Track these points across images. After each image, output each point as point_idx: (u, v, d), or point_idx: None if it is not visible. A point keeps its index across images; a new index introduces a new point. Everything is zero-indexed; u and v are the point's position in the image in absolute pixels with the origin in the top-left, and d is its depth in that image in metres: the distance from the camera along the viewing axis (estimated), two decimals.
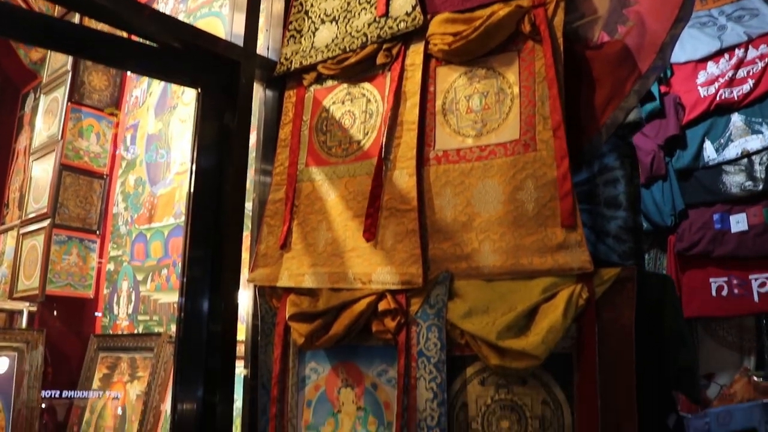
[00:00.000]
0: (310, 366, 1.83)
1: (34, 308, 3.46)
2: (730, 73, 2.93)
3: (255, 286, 1.97)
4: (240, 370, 2.00)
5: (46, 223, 3.42)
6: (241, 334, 2.05)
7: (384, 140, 1.79)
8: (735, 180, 2.91)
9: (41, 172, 3.65)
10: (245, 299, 2.04)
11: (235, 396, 1.93)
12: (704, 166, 3.01)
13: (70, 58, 3.60)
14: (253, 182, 2.15)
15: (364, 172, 1.83)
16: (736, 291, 2.91)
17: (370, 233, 1.73)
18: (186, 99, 3.08)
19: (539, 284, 1.53)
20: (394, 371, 1.68)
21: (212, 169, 1.97)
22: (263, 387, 1.88)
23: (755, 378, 2.88)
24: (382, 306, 1.67)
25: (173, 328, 2.88)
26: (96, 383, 3.22)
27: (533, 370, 1.52)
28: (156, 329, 3.00)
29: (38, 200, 3.57)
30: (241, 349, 2.03)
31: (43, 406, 3.20)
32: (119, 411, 3.00)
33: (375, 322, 1.69)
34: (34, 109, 4.13)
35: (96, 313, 3.50)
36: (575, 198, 1.53)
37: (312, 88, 2.06)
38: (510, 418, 1.54)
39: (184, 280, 1.90)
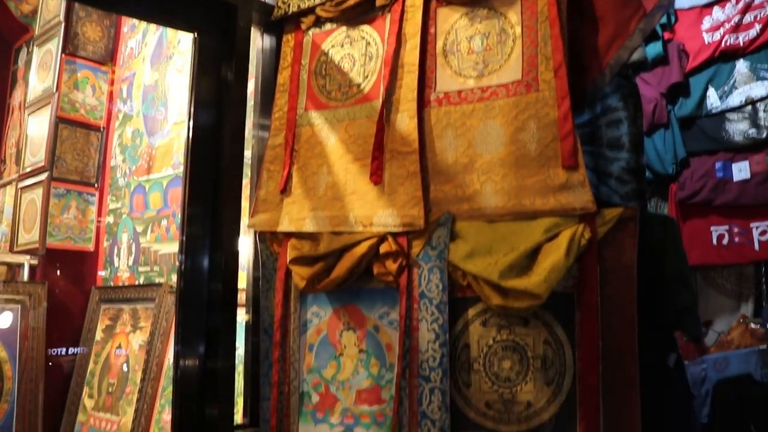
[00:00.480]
0: (312, 310, 1.83)
1: (35, 261, 3.46)
2: (736, 18, 2.87)
3: (255, 232, 1.96)
4: (241, 317, 2.01)
5: (43, 176, 3.39)
6: (242, 282, 2.05)
7: (385, 83, 1.76)
8: (738, 128, 2.88)
9: (37, 125, 3.61)
10: (246, 246, 2.03)
11: (237, 343, 1.95)
12: (707, 114, 2.98)
13: (63, 9, 3.52)
14: (252, 132, 2.12)
15: (364, 116, 1.81)
16: (736, 239, 2.91)
17: (378, 176, 1.71)
18: (182, 48, 3.03)
19: (541, 225, 1.52)
20: (395, 313, 1.68)
21: (210, 124, 1.95)
22: (265, 332, 1.88)
23: (753, 325, 2.90)
24: (383, 248, 1.66)
25: (174, 278, 2.88)
26: (99, 334, 3.23)
27: (535, 310, 1.53)
28: (157, 280, 3.00)
29: (35, 154, 3.54)
30: (242, 297, 2.03)
31: (50, 352, 3.23)
32: (123, 363, 3.02)
33: (376, 264, 1.69)
34: (28, 63, 4.06)
35: (99, 272, 3.51)
36: (576, 138, 1.52)
37: (310, 32, 2.02)
38: (512, 358, 1.55)
39: (184, 238, 1.89)
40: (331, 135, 1.85)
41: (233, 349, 1.90)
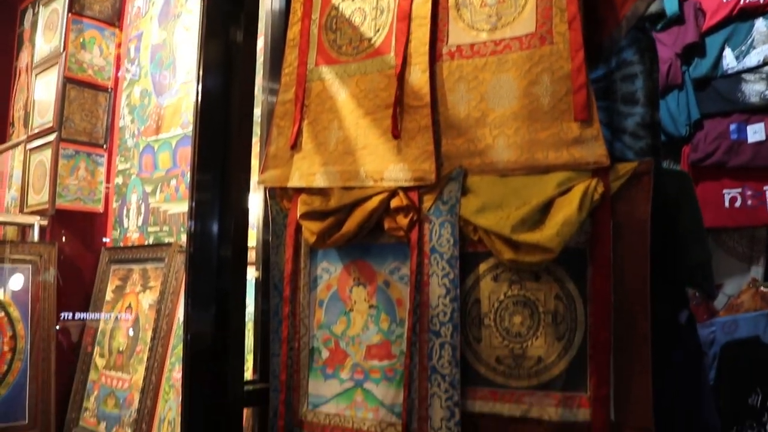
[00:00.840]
0: (322, 266, 1.83)
1: (44, 222, 3.47)
2: None
3: (265, 189, 1.95)
4: (251, 274, 2.01)
5: (52, 137, 3.39)
6: (252, 240, 2.04)
7: (400, 37, 1.74)
8: (754, 89, 2.83)
9: (45, 86, 3.60)
10: (255, 204, 2.02)
11: (247, 301, 1.95)
12: (723, 74, 2.93)
13: None
14: (261, 90, 2.10)
15: (375, 70, 1.78)
16: (749, 202, 2.88)
17: (398, 130, 1.69)
18: (190, 6, 3.00)
19: (554, 179, 1.50)
20: (406, 268, 1.68)
21: (219, 86, 1.92)
22: (275, 288, 1.88)
23: (763, 288, 2.88)
24: (394, 203, 1.65)
25: (183, 237, 2.89)
26: (109, 295, 3.26)
27: (546, 265, 1.52)
28: (166, 240, 3.01)
29: (43, 115, 3.54)
30: (251, 256, 2.03)
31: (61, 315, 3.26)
32: (133, 323, 3.05)
33: (387, 219, 1.68)
34: (34, 24, 4.04)
35: (109, 233, 3.52)
36: (591, 91, 1.49)
37: None
38: (523, 313, 1.55)
39: (193, 204, 1.88)
40: (341, 90, 1.83)
41: (243, 312, 1.89)
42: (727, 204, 2.93)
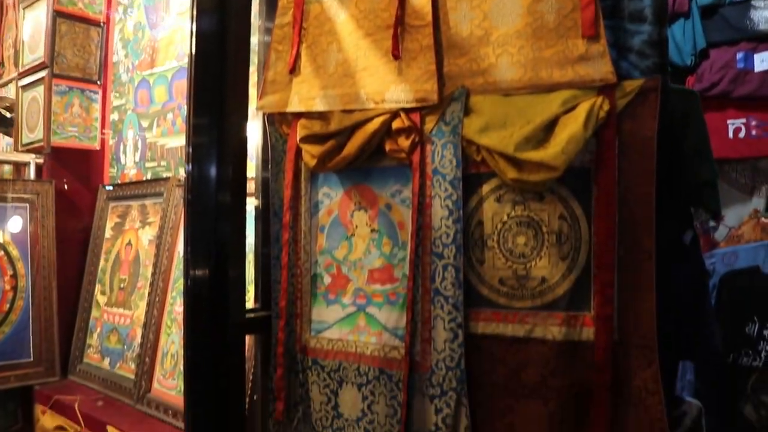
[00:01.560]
0: (323, 191, 1.81)
1: (40, 160, 3.44)
2: None
3: (264, 115, 1.92)
4: (251, 203, 1.99)
5: (44, 73, 3.32)
6: (251, 170, 2.02)
7: None
8: (764, 15, 2.76)
9: (34, 21, 3.50)
10: (254, 131, 1.99)
11: (247, 230, 1.94)
12: (731, 1, 2.85)
13: None
14: (257, 14, 2.04)
15: None
16: (754, 132, 2.84)
17: (399, 51, 1.64)
18: None
19: (559, 97, 1.47)
20: (408, 191, 1.66)
21: (213, 26, 1.85)
22: (275, 215, 1.87)
23: (763, 219, 2.88)
24: (395, 125, 1.62)
25: (181, 171, 2.86)
26: (108, 232, 3.25)
27: (551, 185, 1.50)
28: (164, 174, 2.98)
29: (34, 50, 3.46)
30: (251, 186, 2.00)
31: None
32: (133, 259, 3.04)
33: (388, 141, 1.65)
34: None
35: (107, 170, 3.48)
36: (598, 6, 1.45)
37: None
38: (526, 234, 1.53)
39: (190, 149, 1.84)
40: (340, 11, 1.77)
41: (243, 259, 1.89)
42: (731, 135, 2.89)
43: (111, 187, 3.32)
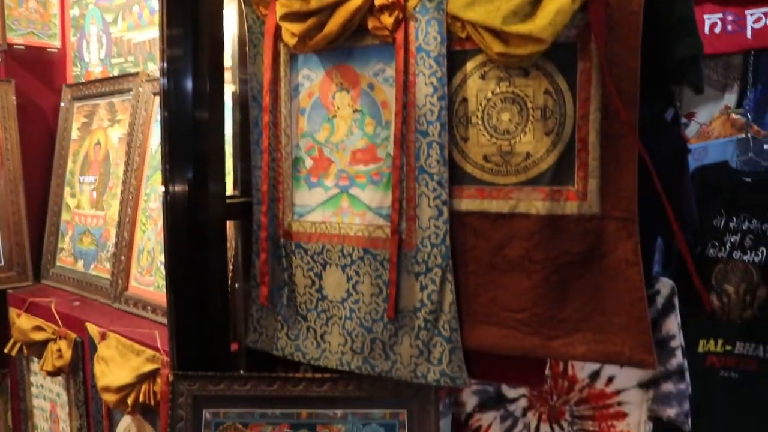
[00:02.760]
0: (303, 73, 1.77)
1: None
2: None
3: None
4: (228, 89, 1.95)
5: None
6: (228, 59, 1.96)
7: None
8: None
9: None
10: (230, 16, 1.92)
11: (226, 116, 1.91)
12: None
13: None
14: None
15: None
16: (729, 27, 2.84)
17: None
18: None
19: None
20: (391, 70, 1.63)
21: None
22: (254, 99, 1.83)
23: (734, 115, 2.92)
24: (378, 1, 1.56)
25: (150, 66, 2.77)
26: (75, 133, 3.16)
27: (536, 60, 1.48)
28: (132, 70, 2.88)
29: None
30: (228, 75, 1.95)
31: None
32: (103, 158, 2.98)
33: (371, 19, 1.60)
34: None
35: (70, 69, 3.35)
36: None
37: None
38: (511, 110, 1.53)
39: (164, 65, 1.79)
40: None
41: (223, 173, 1.89)
42: (707, 30, 2.88)
43: (75, 87, 3.20)
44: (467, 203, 1.57)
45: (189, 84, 1.83)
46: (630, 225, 1.45)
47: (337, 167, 1.72)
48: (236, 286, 2.00)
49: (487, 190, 1.56)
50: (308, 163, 1.77)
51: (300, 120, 1.78)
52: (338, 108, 1.71)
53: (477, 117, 1.56)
